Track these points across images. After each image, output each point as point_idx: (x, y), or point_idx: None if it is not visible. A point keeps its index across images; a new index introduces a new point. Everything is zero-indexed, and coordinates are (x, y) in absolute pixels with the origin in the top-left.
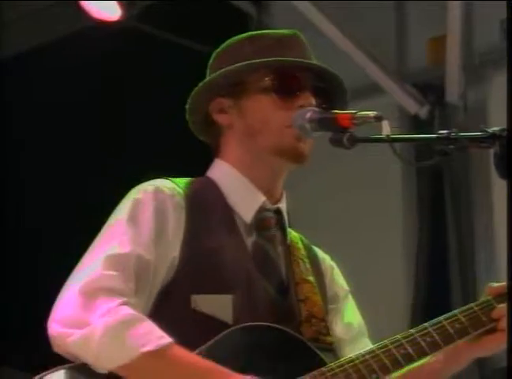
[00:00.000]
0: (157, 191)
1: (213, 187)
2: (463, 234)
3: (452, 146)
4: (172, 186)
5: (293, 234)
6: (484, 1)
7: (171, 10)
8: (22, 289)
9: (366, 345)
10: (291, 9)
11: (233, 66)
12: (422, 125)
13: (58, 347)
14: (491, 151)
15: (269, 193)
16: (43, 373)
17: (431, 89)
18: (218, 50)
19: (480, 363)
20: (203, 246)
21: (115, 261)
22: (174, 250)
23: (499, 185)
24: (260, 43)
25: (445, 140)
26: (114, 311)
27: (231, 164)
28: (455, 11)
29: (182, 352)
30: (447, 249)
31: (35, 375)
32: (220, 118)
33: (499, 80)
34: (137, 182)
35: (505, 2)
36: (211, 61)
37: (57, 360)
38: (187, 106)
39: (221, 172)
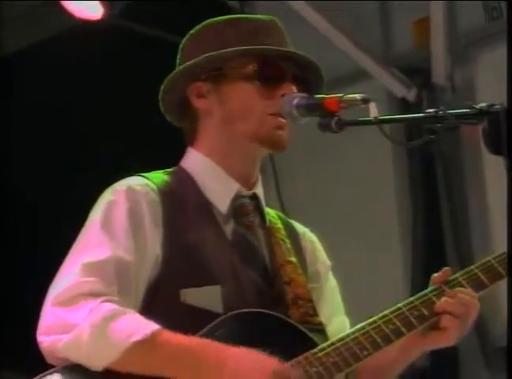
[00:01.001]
0: (129, 190)
1: (188, 179)
2: (457, 213)
3: (440, 124)
4: (145, 183)
5: (271, 215)
6: None
7: (153, 6)
8: (19, 291)
9: (342, 323)
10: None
11: (217, 52)
12: (410, 109)
13: (51, 356)
14: (480, 128)
15: (243, 179)
16: (38, 376)
17: (417, 72)
18: (192, 32)
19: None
20: (184, 240)
21: (93, 268)
22: (155, 248)
23: (490, 162)
24: (240, 28)
25: (432, 118)
26: (96, 309)
27: (205, 153)
28: None
29: (171, 335)
30: (442, 228)
31: (30, 378)
32: (199, 103)
33: (485, 59)
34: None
35: None
36: (185, 42)
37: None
38: (162, 87)
39: (195, 162)
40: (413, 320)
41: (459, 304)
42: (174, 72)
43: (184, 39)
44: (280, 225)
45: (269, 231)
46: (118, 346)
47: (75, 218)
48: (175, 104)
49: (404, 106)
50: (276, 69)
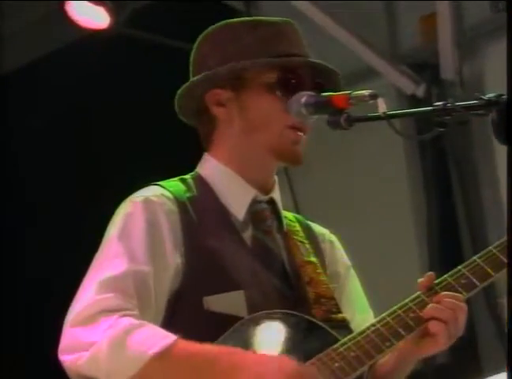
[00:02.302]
0: (146, 201)
1: (205, 186)
2: (471, 207)
3: (449, 117)
4: (161, 193)
5: (289, 217)
6: None
7: (159, 12)
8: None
9: (365, 320)
10: (280, 1)
11: (241, 63)
12: (420, 105)
13: (74, 375)
14: (489, 119)
15: (260, 185)
16: None
17: (425, 68)
18: (209, 32)
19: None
20: (204, 248)
21: (110, 284)
22: (175, 258)
23: (502, 154)
24: (259, 33)
25: (441, 111)
26: (114, 324)
27: (222, 161)
28: None
29: (188, 345)
30: (457, 223)
31: None
32: (218, 111)
33: (493, 52)
34: (135, 188)
35: None
36: (201, 45)
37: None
38: (179, 92)
39: (212, 169)
40: (411, 322)
41: (446, 308)
42: (193, 79)
43: (200, 39)
44: (298, 227)
45: (287, 235)
46: (136, 360)
47: (94, 235)
48: (192, 109)
49: (414, 102)
50: (298, 79)
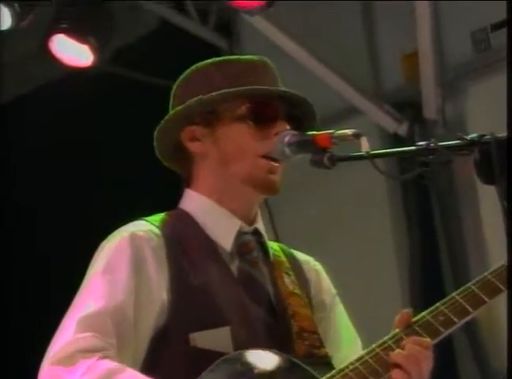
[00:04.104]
0: (132, 236)
1: (189, 220)
2: (454, 245)
3: (432, 156)
4: (147, 228)
5: (274, 247)
6: (453, 13)
7: (142, 50)
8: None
9: (352, 351)
10: (262, 39)
11: (208, 95)
12: (402, 143)
13: None
14: (472, 159)
15: (243, 215)
16: None
17: (408, 106)
18: (182, 77)
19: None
20: (191, 283)
21: (89, 322)
22: (161, 294)
23: (484, 193)
24: (230, 70)
25: (424, 151)
26: (93, 367)
27: (203, 194)
28: (424, 27)
29: None
30: (439, 261)
31: None
32: (193, 147)
33: (475, 92)
34: (121, 223)
35: (474, 14)
36: (175, 89)
37: None
38: (155, 134)
39: (195, 203)
40: (377, 367)
41: (410, 357)
42: (166, 118)
43: (175, 85)
44: (283, 258)
45: (273, 266)
46: None
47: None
48: (170, 150)
49: (396, 141)
50: (269, 109)
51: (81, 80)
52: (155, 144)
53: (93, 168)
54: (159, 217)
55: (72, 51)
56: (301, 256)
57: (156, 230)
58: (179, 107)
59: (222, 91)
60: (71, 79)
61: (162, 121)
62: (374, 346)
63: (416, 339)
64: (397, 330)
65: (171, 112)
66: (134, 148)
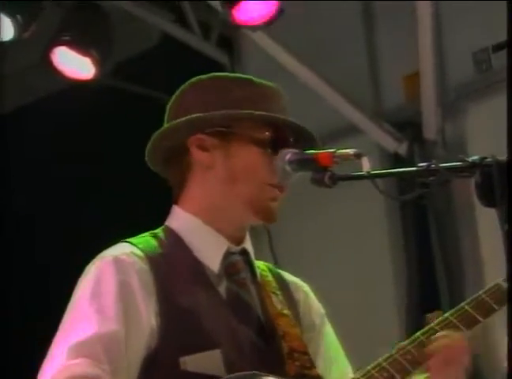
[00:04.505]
0: (116, 261)
1: (176, 239)
2: (451, 266)
3: (432, 178)
4: (131, 251)
5: (261, 268)
6: (455, 34)
7: (144, 64)
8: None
9: (342, 371)
10: (263, 56)
11: (236, 112)
12: (402, 163)
13: None
14: (472, 181)
15: (231, 235)
16: None
17: (408, 126)
18: (193, 81)
19: None
20: (179, 307)
21: (80, 349)
22: (149, 319)
23: (483, 215)
24: (247, 91)
25: (425, 172)
26: None
27: (190, 211)
28: (426, 47)
29: None
30: (436, 281)
31: None
32: (201, 156)
33: (476, 112)
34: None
35: (475, 34)
36: (185, 90)
37: None
38: (159, 133)
39: (181, 221)
40: (407, 365)
41: (445, 347)
42: (180, 119)
43: (184, 87)
44: (270, 278)
45: (260, 286)
46: None
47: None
48: (168, 153)
49: (396, 160)
50: (284, 140)
51: (82, 92)
52: (151, 144)
53: (92, 179)
54: (143, 238)
55: (73, 64)
56: (288, 276)
57: (140, 253)
58: (200, 115)
59: (249, 111)
60: (72, 91)
61: (170, 125)
62: (369, 367)
63: (447, 333)
64: (392, 352)
65: (191, 116)
66: (133, 160)
